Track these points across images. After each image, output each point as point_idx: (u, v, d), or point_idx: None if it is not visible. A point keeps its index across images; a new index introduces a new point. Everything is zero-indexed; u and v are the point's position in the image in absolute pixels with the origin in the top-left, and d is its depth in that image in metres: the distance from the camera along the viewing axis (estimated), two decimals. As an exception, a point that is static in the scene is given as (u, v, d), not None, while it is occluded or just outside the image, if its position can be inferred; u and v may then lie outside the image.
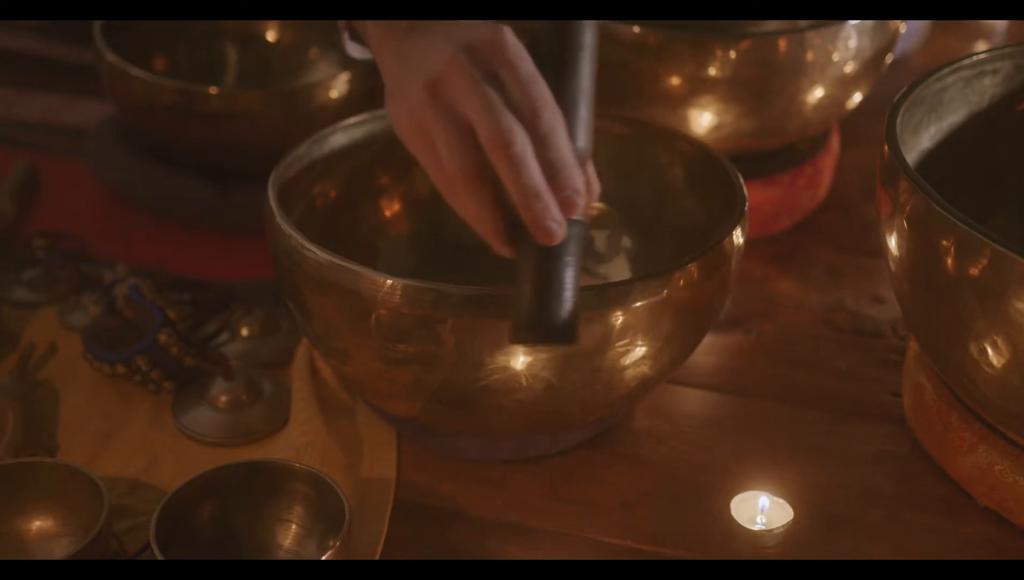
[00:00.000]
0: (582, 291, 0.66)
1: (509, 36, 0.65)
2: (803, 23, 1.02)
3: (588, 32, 0.68)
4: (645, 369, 0.73)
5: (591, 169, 0.67)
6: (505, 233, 0.65)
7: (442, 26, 0.67)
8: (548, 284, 0.63)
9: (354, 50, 0.79)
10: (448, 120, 0.64)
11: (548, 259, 0.63)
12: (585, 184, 0.65)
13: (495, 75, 0.64)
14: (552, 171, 0.63)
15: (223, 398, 0.83)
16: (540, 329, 0.63)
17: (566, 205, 0.63)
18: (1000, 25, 1.44)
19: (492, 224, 0.65)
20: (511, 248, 0.65)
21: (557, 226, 0.62)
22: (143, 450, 0.81)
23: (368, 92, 1.03)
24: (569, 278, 0.64)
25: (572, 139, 0.65)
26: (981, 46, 1.40)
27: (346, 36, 0.78)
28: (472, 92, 0.63)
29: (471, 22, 0.66)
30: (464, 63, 0.63)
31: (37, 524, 0.72)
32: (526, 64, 0.65)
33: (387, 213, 0.90)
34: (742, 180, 0.80)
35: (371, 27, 0.71)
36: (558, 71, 0.66)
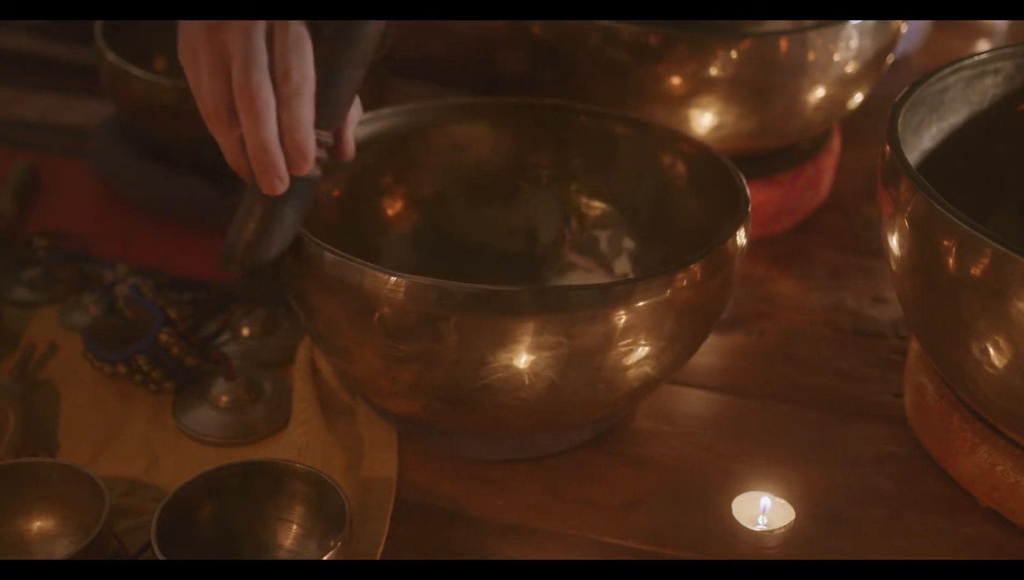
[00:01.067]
0: (583, 289, 0.68)
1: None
2: (804, 23, 1.02)
3: (365, 31, 0.72)
4: (648, 369, 0.73)
5: (348, 133, 0.73)
6: (246, 170, 0.70)
7: None
8: (263, 226, 0.70)
9: None
10: (216, 53, 0.67)
11: (269, 206, 0.70)
12: (322, 144, 0.70)
13: (271, 30, 0.68)
14: (287, 132, 0.68)
15: (224, 398, 0.83)
16: (243, 264, 0.71)
17: (293, 165, 0.69)
18: (1000, 25, 1.44)
19: (235, 158, 0.70)
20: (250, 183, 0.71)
21: (279, 181, 0.68)
22: (144, 450, 0.81)
23: (369, 92, 1.03)
24: (281, 225, 0.70)
25: (324, 104, 0.69)
26: (982, 46, 1.40)
27: None
28: (241, 35, 0.66)
29: None
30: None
31: (38, 524, 0.72)
32: (298, 27, 0.68)
33: (389, 212, 0.90)
34: (744, 181, 0.80)
35: None
36: (332, 43, 0.70)
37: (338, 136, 0.72)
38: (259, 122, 0.67)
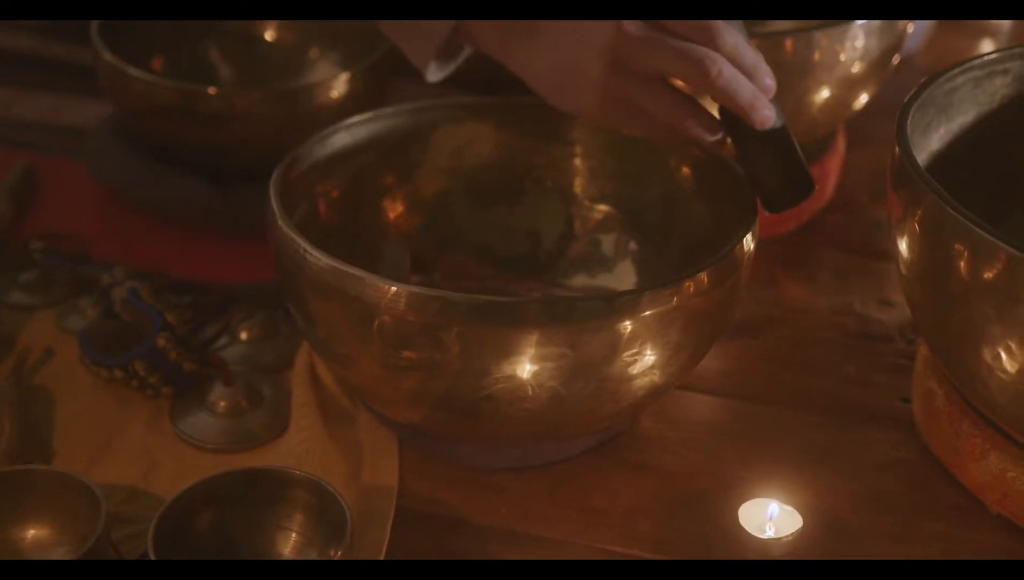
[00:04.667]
0: (588, 300, 0.68)
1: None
2: (809, 23, 1.01)
3: None
4: (653, 378, 0.72)
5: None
6: (721, 128, 0.76)
7: (563, 22, 0.75)
8: (782, 155, 0.76)
9: (434, 72, 0.84)
10: (644, 81, 0.73)
11: (767, 140, 0.75)
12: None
13: (659, 27, 0.73)
14: (750, 72, 0.73)
15: (222, 403, 0.82)
16: (790, 191, 0.76)
17: (768, 92, 0.74)
18: (1006, 25, 1.43)
19: (712, 127, 0.75)
20: (723, 139, 0.77)
21: (770, 112, 0.74)
22: (141, 456, 0.80)
23: (369, 92, 1.02)
24: (789, 146, 0.76)
25: None
26: (986, 45, 1.39)
27: (432, 64, 0.83)
28: (656, 47, 0.72)
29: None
30: (632, 28, 0.72)
31: (33, 532, 0.71)
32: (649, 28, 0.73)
33: (391, 214, 0.89)
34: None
35: (487, 36, 0.78)
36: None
37: None
38: (736, 83, 0.72)
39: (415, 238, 0.89)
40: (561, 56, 0.75)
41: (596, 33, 0.73)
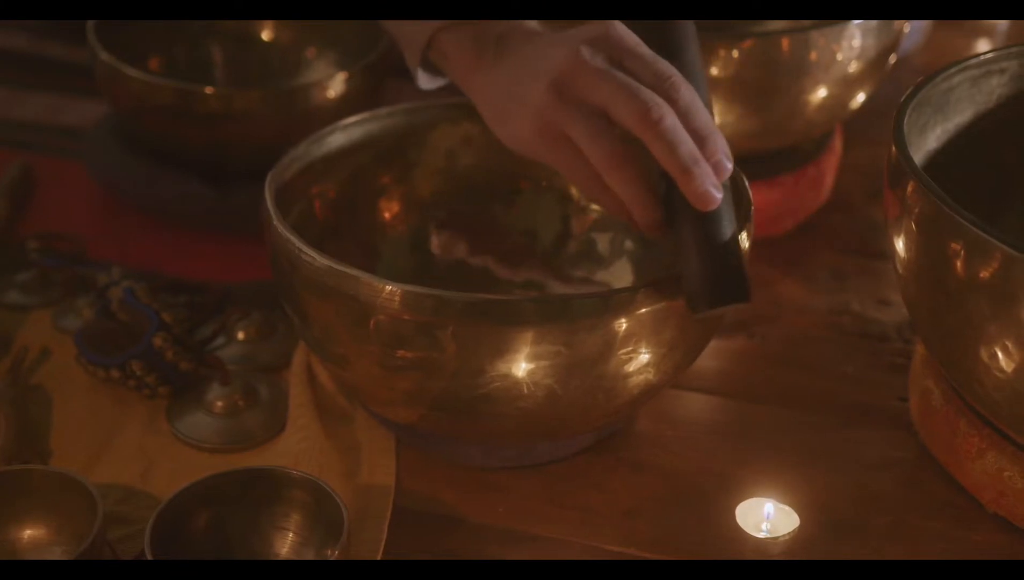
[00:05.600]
0: (583, 298, 0.67)
1: (621, 27, 0.68)
2: (806, 23, 1.01)
3: (691, 25, 0.71)
4: (649, 376, 0.72)
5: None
6: (659, 210, 0.67)
7: (535, 36, 0.69)
8: (716, 249, 0.66)
9: (425, 81, 0.81)
10: (583, 113, 0.66)
11: (710, 225, 0.66)
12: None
13: (618, 64, 0.66)
14: (700, 139, 0.66)
15: (219, 403, 0.82)
16: (718, 295, 0.65)
17: (718, 169, 0.66)
18: (1002, 24, 1.43)
19: (645, 205, 0.67)
20: (661, 228, 0.68)
21: (715, 190, 0.65)
22: (138, 456, 0.79)
23: (366, 92, 1.02)
24: (730, 240, 0.66)
25: None
26: (983, 45, 1.39)
27: (419, 70, 0.80)
28: (604, 79, 0.65)
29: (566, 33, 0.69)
30: (587, 55, 0.66)
31: (30, 533, 0.71)
32: (645, 48, 0.67)
33: (387, 214, 0.89)
34: (747, 182, 0.79)
35: (456, 55, 0.74)
36: (671, 54, 0.69)
37: None
38: (677, 137, 0.65)
39: (412, 238, 0.89)
40: (513, 82, 0.69)
41: (550, 59, 0.67)
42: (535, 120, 0.67)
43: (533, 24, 0.73)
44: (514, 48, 0.70)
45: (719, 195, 0.65)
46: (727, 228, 0.66)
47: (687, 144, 0.65)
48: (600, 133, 0.66)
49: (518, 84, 0.68)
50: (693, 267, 0.66)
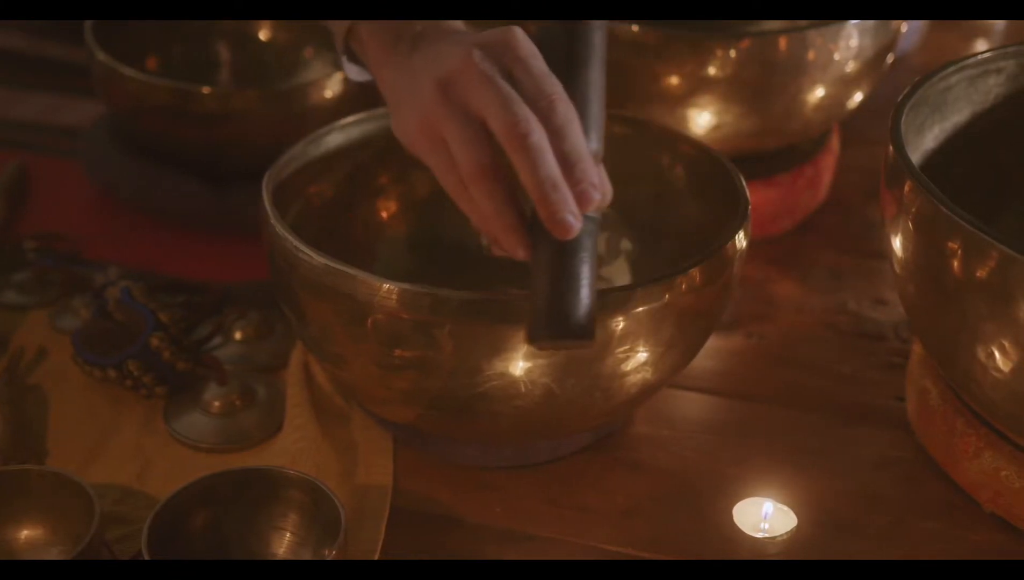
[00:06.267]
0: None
1: (520, 35, 0.65)
2: (804, 23, 1.01)
3: (598, 32, 0.68)
4: (646, 375, 0.72)
5: (603, 170, 0.66)
6: (520, 232, 0.64)
7: (449, 35, 0.67)
8: (565, 281, 0.62)
9: (353, 72, 0.79)
10: (461, 116, 0.63)
11: (564, 255, 0.62)
12: (600, 180, 0.64)
13: (508, 72, 0.64)
14: (568, 164, 0.62)
15: (216, 403, 0.82)
16: (558, 328, 0.61)
17: (582, 199, 0.62)
18: (999, 24, 1.43)
19: (507, 221, 0.64)
20: (525, 249, 0.64)
21: (574, 219, 0.61)
22: (135, 456, 0.79)
23: (364, 91, 1.02)
24: (585, 274, 0.62)
25: (585, 136, 0.64)
26: (980, 45, 1.39)
27: (345, 59, 0.78)
28: (486, 85, 0.63)
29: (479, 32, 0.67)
30: (477, 59, 0.63)
31: (26, 533, 0.71)
32: (539, 61, 0.65)
33: (384, 214, 0.89)
34: (744, 182, 0.79)
35: (372, 45, 0.71)
36: (569, 69, 0.66)
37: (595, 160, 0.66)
38: (540, 157, 0.61)
39: (409, 238, 0.89)
40: (411, 78, 0.67)
41: (444, 58, 0.65)
42: (418, 118, 0.65)
43: (458, 24, 0.71)
44: (426, 45, 0.68)
45: (576, 225, 0.62)
46: (583, 262, 0.62)
47: (549, 166, 0.61)
48: (472, 140, 0.63)
49: (413, 80, 0.66)
50: (541, 296, 0.62)
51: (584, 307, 0.61)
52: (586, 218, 0.63)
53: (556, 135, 0.62)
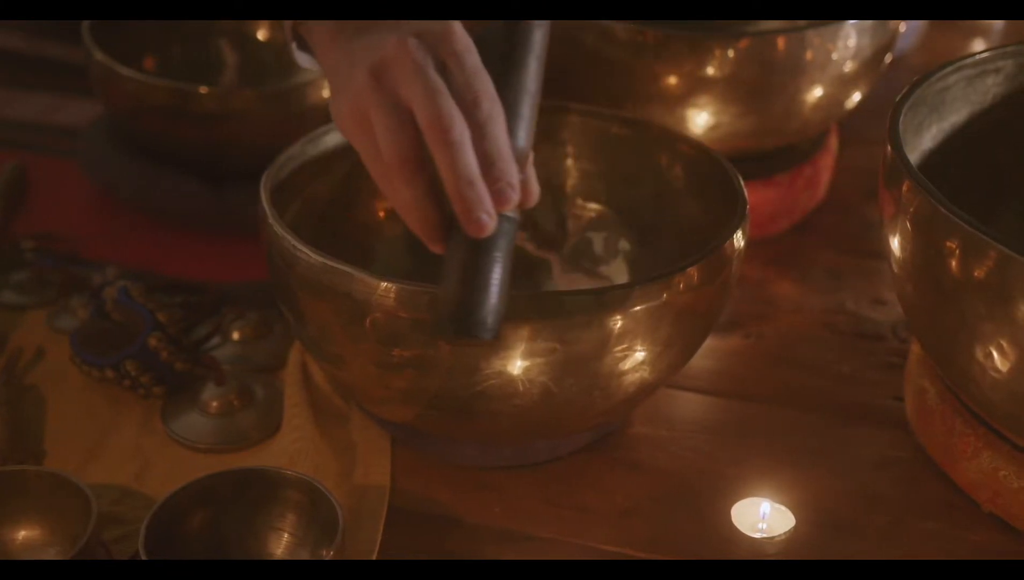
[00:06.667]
0: (578, 294, 0.67)
1: (458, 28, 0.65)
2: (802, 22, 1.01)
3: (537, 32, 0.67)
4: (644, 374, 0.72)
5: (531, 170, 0.66)
6: (437, 225, 0.64)
7: (390, 25, 0.67)
8: (473, 278, 0.62)
9: (303, 60, 0.79)
10: (389, 104, 0.63)
11: (476, 253, 0.62)
12: (520, 180, 0.64)
13: (443, 64, 0.64)
14: (487, 162, 0.62)
15: (214, 403, 0.82)
16: (461, 324, 0.61)
17: (499, 198, 0.62)
18: (997, 24, 1.43)
19: (424, 214, 0.64)
20: (442, 243, 0.64)
21: (488, 218, 0.61)
22: (133, 457, 0.79)
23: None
24: (495, 274, 0.62)
25: (511, 136, 0.64)
26: (978, 45, 1.39)
27: (294, 46, 0.77)
28: (416, 75, 0.62)
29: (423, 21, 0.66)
30: (412, 48, 0.63)
31: (23, 534, 0.71)
32: (472, 56, 0.64)
33: (382, 213, 0.89)
34: (742, 182, 0.79)
35: (318, 30, 0.71)
36: (504, 67, 0.66)
37: (522, 172, 0.65)
38: (459, 153, 0.61)
39: (407, 239, 0.89)
40: (350, 63, 0.66)
41: (382, 44, 0.64)
42: (351, 101, 0.65)
43: None
44: (367, 31, 0.67)
45: (490, 224, 0.61)
46: (496, 261, 0.62)
47: (467, 163, 0.61)
48: (397, 129, 0.63)
49: (351, 65, 0.66)
50: (449, 290, 0.62)
51: (490, 306, 0.62)
52: (503, 218, 0.63)
53: (478, 132, 0.62)
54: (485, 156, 0.62)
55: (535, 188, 0.66)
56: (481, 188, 0.61)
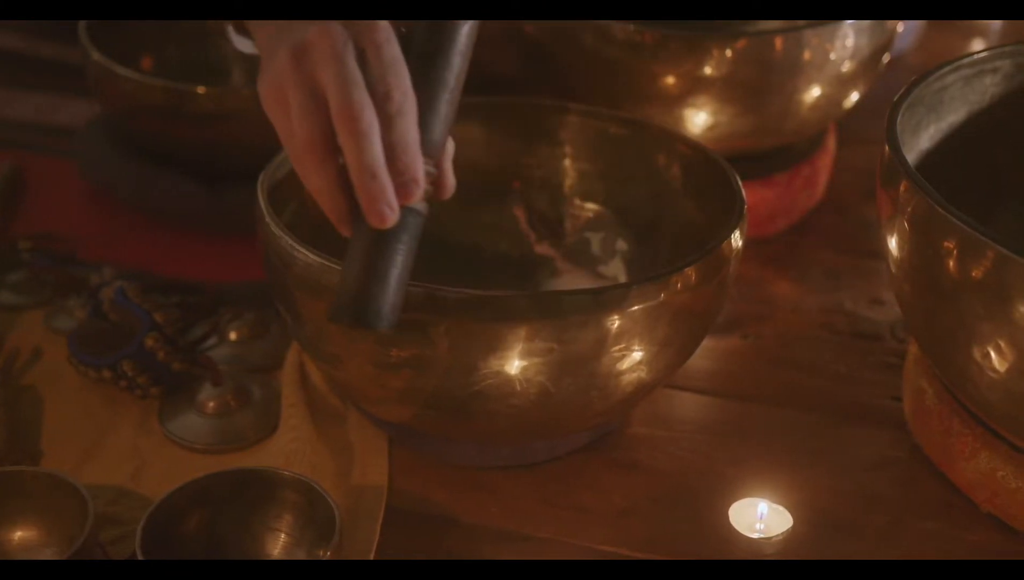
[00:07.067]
0: (575, 294, 0.67)
1: (384, 22, 0.65)
2: (800, 22, 1.01)
3: (461, 29, 0.67)
4: (642, 374, 0.72)
5: (447, 164, 0.67)
6: (346, 212, 0.65)
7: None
8: (373, 268, 0.63)
9: (244, 45, 0.78)
10: (305, 86, 0.63)
11: (378, 244, 0.63)
12: (432, 175, 0.65)
13: (362, 53, 0.64)
14: (393, 155, 0.63)
15: (211, 404, 0.82)
16: (357, 313, 0.62)
17: (402, 191, 0.63)
18: (995, 24, 1.43)
19: (334, 199, 0.64)
20: (347, 227, 0.65)
21: (389, 211, 0.62)
22: (130, 457, 0.79)
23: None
24: (396, 265, 0.63)
25: (424, 130, 0.65)
26: (976, 45, 1.39)
27: (230, 29, 0.77)
28: (332, 61, 0.63)
29: None
30: (334, 34, 0.63)
31: (21, 533, 0.71)
32: (391, 48, 0.64)
33: (379, 214, 0.89)
34: (740, 182, 0.79)
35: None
36: (424, 62, 0.66)
37: (437, 167, 0.66)
38: (365, 143, 0.62)
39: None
40: (279, 44, 0.66)
41: (307, 27, 0.64)
42: (272, 82, 0.65)
43: None
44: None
45: (391, 216, 0.62)
46: (397, 253, 0.63)
47: (372, 154, 0.62)
48: (311, 113, 0.63)
49: (278, 45, 0.66)
50: (349, 279, 0.63)
51: (388, 297, 0.62)
52: (407, 211, 0.63)
53: (386, 125, 0.63)
54: (391, 149, 0.63)
55: (450, 182, 0.67)
56: (384, 180, 0.62)
